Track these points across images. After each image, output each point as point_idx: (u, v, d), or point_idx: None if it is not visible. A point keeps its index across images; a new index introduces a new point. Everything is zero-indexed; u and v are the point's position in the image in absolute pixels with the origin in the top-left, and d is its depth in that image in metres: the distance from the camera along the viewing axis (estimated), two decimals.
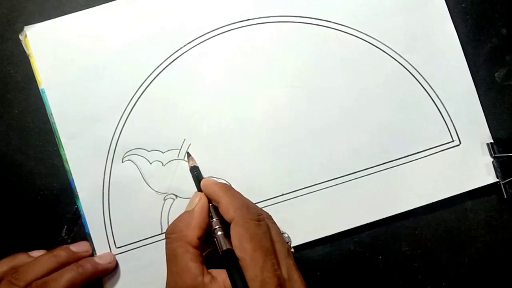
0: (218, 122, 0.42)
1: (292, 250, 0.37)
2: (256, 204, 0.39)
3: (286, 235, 0.38)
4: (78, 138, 0.41)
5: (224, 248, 0.33)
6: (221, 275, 0.33)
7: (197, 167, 0.40)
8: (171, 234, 0.35)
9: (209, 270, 0.34)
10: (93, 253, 0.40)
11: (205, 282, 0.32)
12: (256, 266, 0.32)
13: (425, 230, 0.42)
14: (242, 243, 0.33)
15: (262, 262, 0.32)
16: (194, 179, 0.40)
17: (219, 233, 0.35)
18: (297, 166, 0.42)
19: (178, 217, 0.36)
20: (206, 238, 0.35)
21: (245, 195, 0.40)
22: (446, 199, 0.41)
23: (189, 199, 0.41)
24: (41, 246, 0.40)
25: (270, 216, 0.37)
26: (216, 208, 0.36)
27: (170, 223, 0.40)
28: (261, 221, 0.35)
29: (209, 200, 0.37)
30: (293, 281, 0.33)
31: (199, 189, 0.38)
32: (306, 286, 0.34)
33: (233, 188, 0.39)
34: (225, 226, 0.35)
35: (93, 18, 0.42)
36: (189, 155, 0.41)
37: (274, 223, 0.37)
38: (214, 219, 0.36)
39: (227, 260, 0.33)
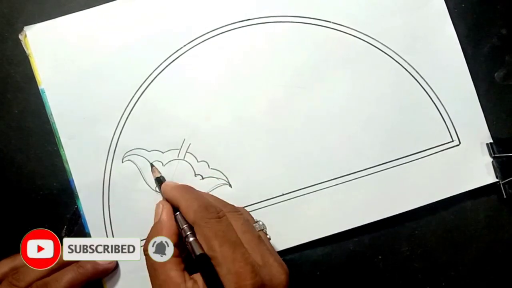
0: (218, 122, 0.42)
1: (269, 236, 0.37)
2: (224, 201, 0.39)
3: (260, 222, 0.38)
4: (78, 138, 0.41)
5: (197, 253, 0.33)
6: (201, 278, 0.33)
7: (160, 177, 0.40)
8: (146, 250, 0.35)
9: (191, 276, 0.34)
10: None
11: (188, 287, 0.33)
12: (227, 260, 0.32)
13: (425, 230, 0.42)
14: (208, 243, 0.33)
15: (231, 255, 0.32)
16: (158, 189, 0.40)
17: (191, 239, 0.34)
18: (297, 166, 0.42)
19: (149, 231, 0.37)
20: (182, 243, 0.36)
21: (245, 195, 0.41)
22: (446, 199, 0.41)
23: None
24: None
25: (236, 208, 0.37)
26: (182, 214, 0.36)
27: None
28: (221, 217, 0.35)
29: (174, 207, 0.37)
30: (269, 265, 0.33)
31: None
32: (287, 268, 0.34)
33: (192, 189, 0.39)
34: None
35: (93, 18, 0.42)
36: (152, 166, 0.41)
37: (241, 214, 0.37)
38: (184, 226, 0.35)
39: (200, 265, 0.33)
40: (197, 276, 0.33)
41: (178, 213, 0.36)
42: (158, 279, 0.34)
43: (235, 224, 0.35)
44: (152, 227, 0.37)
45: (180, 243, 0.36)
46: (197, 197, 0.37)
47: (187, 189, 0.39)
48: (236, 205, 0.39)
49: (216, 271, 0.32)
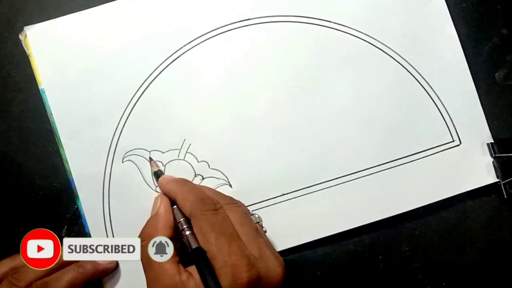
0: (218, 122, 0.42)
1: (265, 229, 0.37)
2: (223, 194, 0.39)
3: (256, 215, 0.38)
4: (78, 138, 0.41)
5: (193, 247, 0.33)
6: (196, 271, 0.33)
7: (158, 171, 0.41)
8: (143, 242, 0.35)
9: (186, 268, 0.34)
10: None
11: (182, 280, 0.32)
12: (223, 253, 0.32)
13: (425, 230, 0.42)
14: (205, 235, 0.33)
15: (227, 247, 0.32)
16: (155, 183, 0.40)
17: (187, 232, 0.35)
18: (297, 166, 0.42)
19: (145, 223, 0.37)
20: (178, 236, 0.36)
21: (245, 195, 0.41)
22: (446, 199, 0.41)
23: None
24: None
25: (234, 200, 0.37)
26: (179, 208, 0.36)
27: None
28: (218, 209, 0.35)
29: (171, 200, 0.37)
30: (265, 258, 0.34)
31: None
32: (282, 261, 0.34)
33: (189, 182, 0.39)
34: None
35: (93, 18, 0.42)
36: (151, 159, 0.41)
37: (239, 206, 0.37)
38: (181, 219, 0.36)
39: (196, 258, 0.33)
40: (193, 269, 0.33)
41: (175, 206, 0.37)
42: (153, 271, 0.34)
43: (233, 216, 0.35)
44: (149, 219, 0.37)
45: (176, 236, 0.36)
46: (194, 190, 0.37)
47: (184, 182, 0.39)
48: None
49: (211, 264, 0.32)
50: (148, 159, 0.41)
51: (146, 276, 0.35)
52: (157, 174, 0.40)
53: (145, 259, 0.35)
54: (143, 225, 0.37)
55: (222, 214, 0.34)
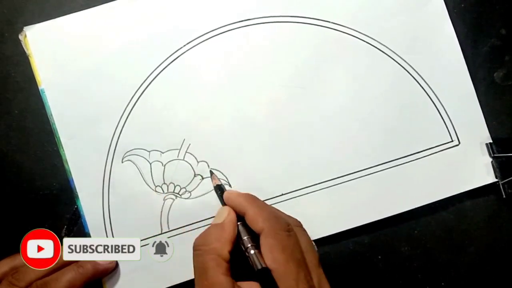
0: (218, 122, 0.42)
1: None
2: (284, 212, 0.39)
3: (313, 243, 0.38)
4: (78, 138, 0.41)
5: (260, 267, 0.33)
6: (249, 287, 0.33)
7: (221, 185, 0.40)
8: (202, 246, 0.35)
9: (238, 283, 0.33)
10: None
11: None
12: (290, 278, 0.32)
13: (425, 230, 0.42)
14: (274, 254, 0.33)
15: (295, 274, 0.32)
16: (218, 197, 0.40)
17: (252, 251, 0.34)
18: (297, 166, 0.42)
19: (207, 230, 0.36)
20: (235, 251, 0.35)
21: None
22: (445, 199, 0.41)
23: (188, 200, 0.41)
24: None
25: (300, 223, 0.37)
26: (246, 226, 0.36)
27: (170, 223, 0.41)
28: (290, 231, 0.35)
29: (237, 216, 0.37)
30: None
31: (224, 205, 0.38)
32: None
33: (258, 198, 0.39)
34: (257, 243, 0.35)
35: (93, 18, 0.42)
36: (212, 173, 0.41)
37: (304, 230, 0.37)
38: (245, 237, 0.35)
39: (264, 279, 0.33)
40: (246, 286, 0.33)
41: (240, 222, 0.36)
42: (207, 280, 0.33)
43: (302, 240, 0.35)
44: (212, 228, 0.36)
45: (233, 250, 0.35)
46: (266, 206, 0.37)
47: (254, 198, 0.38)
48: None
49: (278, 287, 0.32)
50: (209, 172, 0.41)
51: (198, 282, 0.34)
52: (221, 188, 0.40)
53: (201, 266, 0.34)
54: (203, 231, 0.36)
55: (294, 237, 0.34)
